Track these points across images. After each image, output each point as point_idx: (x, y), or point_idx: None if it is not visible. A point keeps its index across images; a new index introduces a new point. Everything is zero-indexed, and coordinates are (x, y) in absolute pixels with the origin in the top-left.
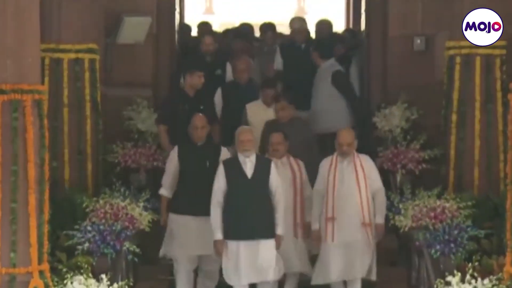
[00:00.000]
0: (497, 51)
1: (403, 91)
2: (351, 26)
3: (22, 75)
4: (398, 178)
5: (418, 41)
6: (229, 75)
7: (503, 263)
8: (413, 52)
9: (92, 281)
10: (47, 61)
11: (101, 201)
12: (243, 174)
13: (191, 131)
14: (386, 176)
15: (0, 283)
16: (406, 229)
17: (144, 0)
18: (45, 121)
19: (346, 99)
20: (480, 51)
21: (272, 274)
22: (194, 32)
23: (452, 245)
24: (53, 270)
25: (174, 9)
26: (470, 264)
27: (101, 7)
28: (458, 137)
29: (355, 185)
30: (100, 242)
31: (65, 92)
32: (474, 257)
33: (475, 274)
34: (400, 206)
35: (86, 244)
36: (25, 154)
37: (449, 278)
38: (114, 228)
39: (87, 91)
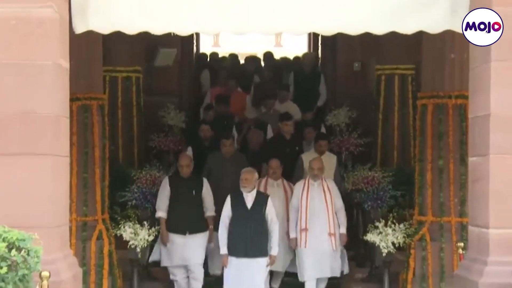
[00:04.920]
0: (409, 72)
1: (347, 99)
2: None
3: (90, 88)
4: (343, 157)
5: (356, 64)
6: None
7: (413, 213)
8: (353, 72)
9: (137, 226)
10: (107, 78)
11: (143, 172)
12: (244, 205)
13: (178, 167)
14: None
15: (76, 227)
16: (348, 191)
17: (172, 37)
18: (106, 119)
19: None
20: (398, 71)
21: (263, 285)
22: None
23: (378, 201)
24: (112, 218)
25: (192, 43)
26: (390, 214)
27: (143, 40)
28: (383, 130)
29: (323, 203)
30: (143, 199)
31: (119, 99)
32: (393, 209)
33: (394, 221)
34: (344, 175)
35: (134, 201)
36: (93, 141)
37: (377, 224)
38: (152, 190)
39: (134, 98)
